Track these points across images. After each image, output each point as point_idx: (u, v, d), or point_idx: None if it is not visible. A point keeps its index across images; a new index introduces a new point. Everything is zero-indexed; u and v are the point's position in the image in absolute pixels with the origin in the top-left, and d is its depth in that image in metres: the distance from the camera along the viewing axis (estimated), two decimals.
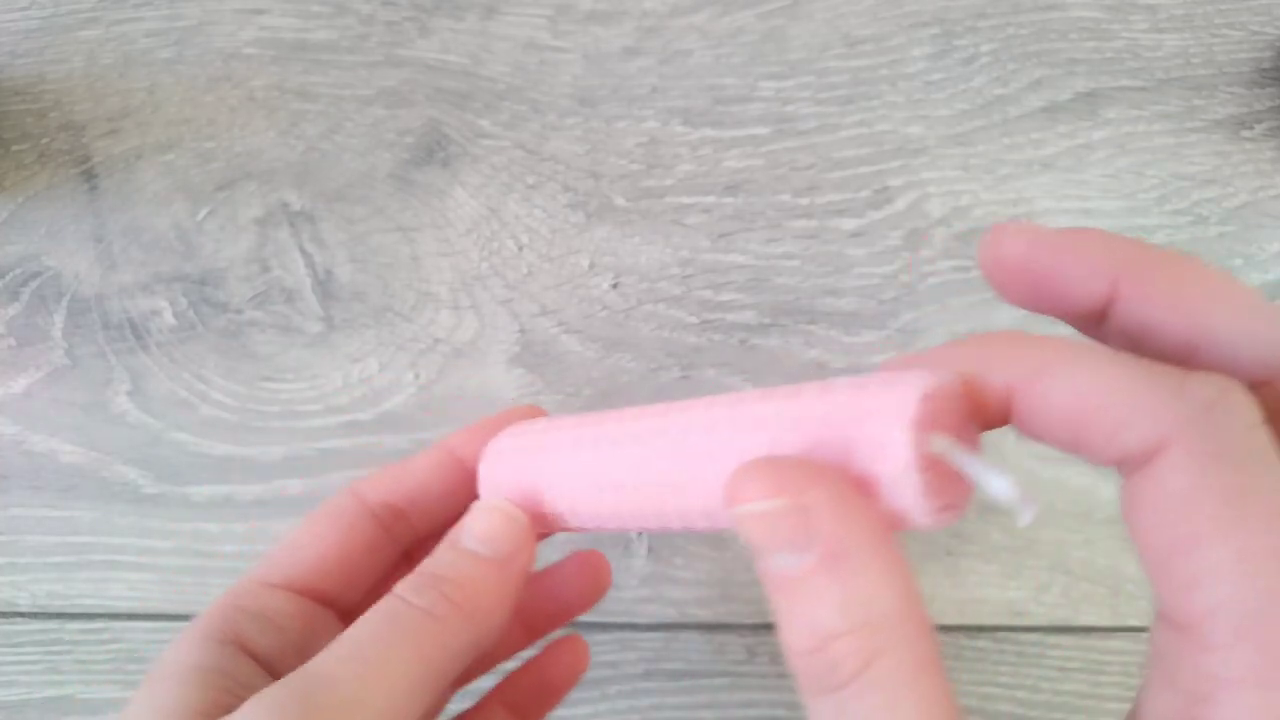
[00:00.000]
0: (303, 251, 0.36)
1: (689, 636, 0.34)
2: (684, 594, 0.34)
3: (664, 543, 0.35)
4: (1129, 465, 0.14)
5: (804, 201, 0.37)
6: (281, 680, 0.18)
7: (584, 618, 0.34)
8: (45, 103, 0.38)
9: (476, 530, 0.21)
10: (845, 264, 0.36)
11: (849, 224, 0.36)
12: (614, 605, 0.34)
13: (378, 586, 0.25)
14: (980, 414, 0.16)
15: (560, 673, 0.27)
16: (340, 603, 0.24)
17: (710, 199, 0.37)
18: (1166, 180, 0.36)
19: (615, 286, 0.36)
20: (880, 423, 0.15)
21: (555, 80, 0.37)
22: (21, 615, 0.35)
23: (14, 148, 0.37)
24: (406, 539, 0.25)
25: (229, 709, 0.18)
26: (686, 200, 0.37)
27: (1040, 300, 0.17)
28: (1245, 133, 0.36)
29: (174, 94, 0.38)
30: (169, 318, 0.36)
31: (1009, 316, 0.35)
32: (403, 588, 0.20)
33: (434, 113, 0.37)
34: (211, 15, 0.38)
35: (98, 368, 0.36)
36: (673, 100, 0.37)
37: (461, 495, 0.24)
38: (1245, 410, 0.14)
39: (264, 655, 0.21)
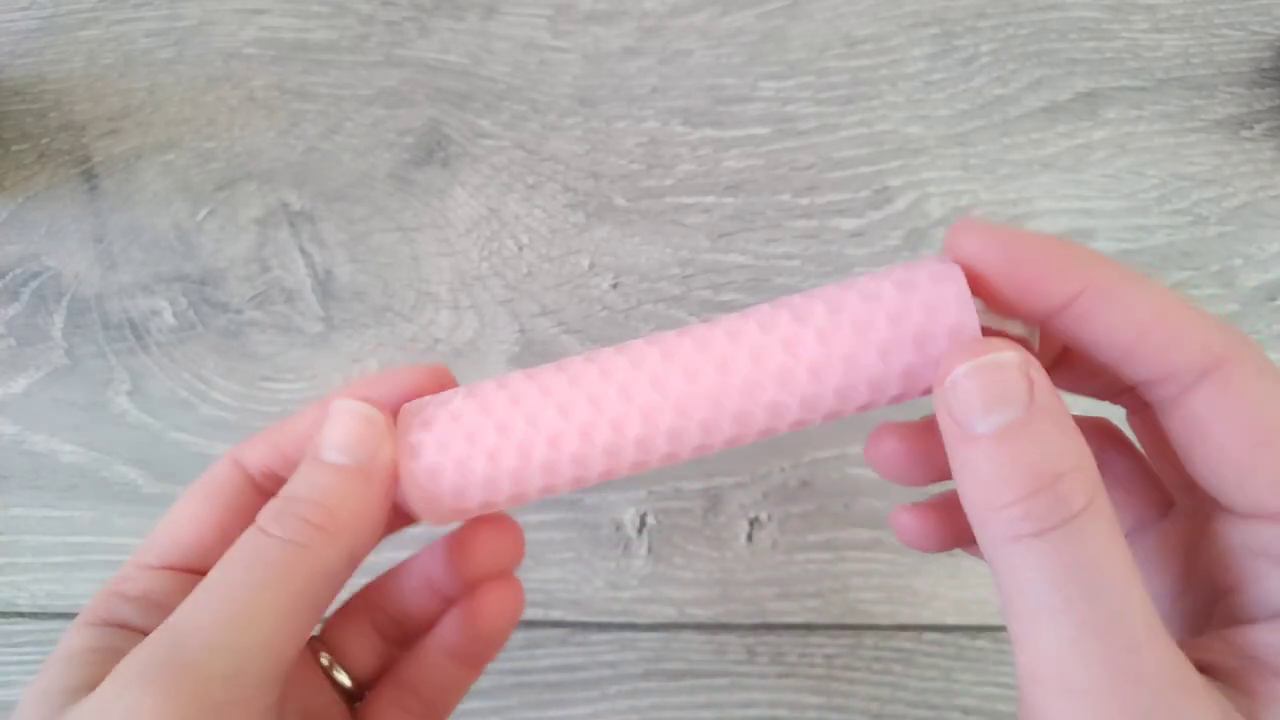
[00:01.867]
0: (303, 251, 0.36)
1: (689, 636, 0.34)
2: (684, 594, 0.34)
3: (664, 542, 0.35)
4: (1171, 382, 0.17)
5: (804, 201, 0.37)
6: (145, 640, 0.18)
7: (584, 618, 0.34)
8: (45, 103, 0.38)
9: (333, 438, 0.20)
10: (845, 264, 0.36)
11: (849, 224, 0.36)
12: (614, 605, 0.34)
13: None
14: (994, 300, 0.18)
15: (488, 619, 0.24)
16: None
17: (710, 199, 0.37)
18: (1166, 180, 0.36)
19: (615, 286, 0.36)
20: (957, 311, 0.18)
21: (555, 80, 0.37)
22: (21, 615, 0.35)
23: (14, 148, 0.37)
24: None
25: None
26: (686, 200, 0.37)
27: (996, 298, 0.18)
28: (1245, 133, 0.36)
29: (174, 94, 0.38)
30: (169, 318, 0.36)
31: None
32: (263, 517, 0.19)
33: (434, 113, 0.37)
34: (211, 15, 0.38)
35: (98, 368, 0.36)
36: (673, 100, 0.37)
37: None
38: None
39: (149, 630, 0.20)
